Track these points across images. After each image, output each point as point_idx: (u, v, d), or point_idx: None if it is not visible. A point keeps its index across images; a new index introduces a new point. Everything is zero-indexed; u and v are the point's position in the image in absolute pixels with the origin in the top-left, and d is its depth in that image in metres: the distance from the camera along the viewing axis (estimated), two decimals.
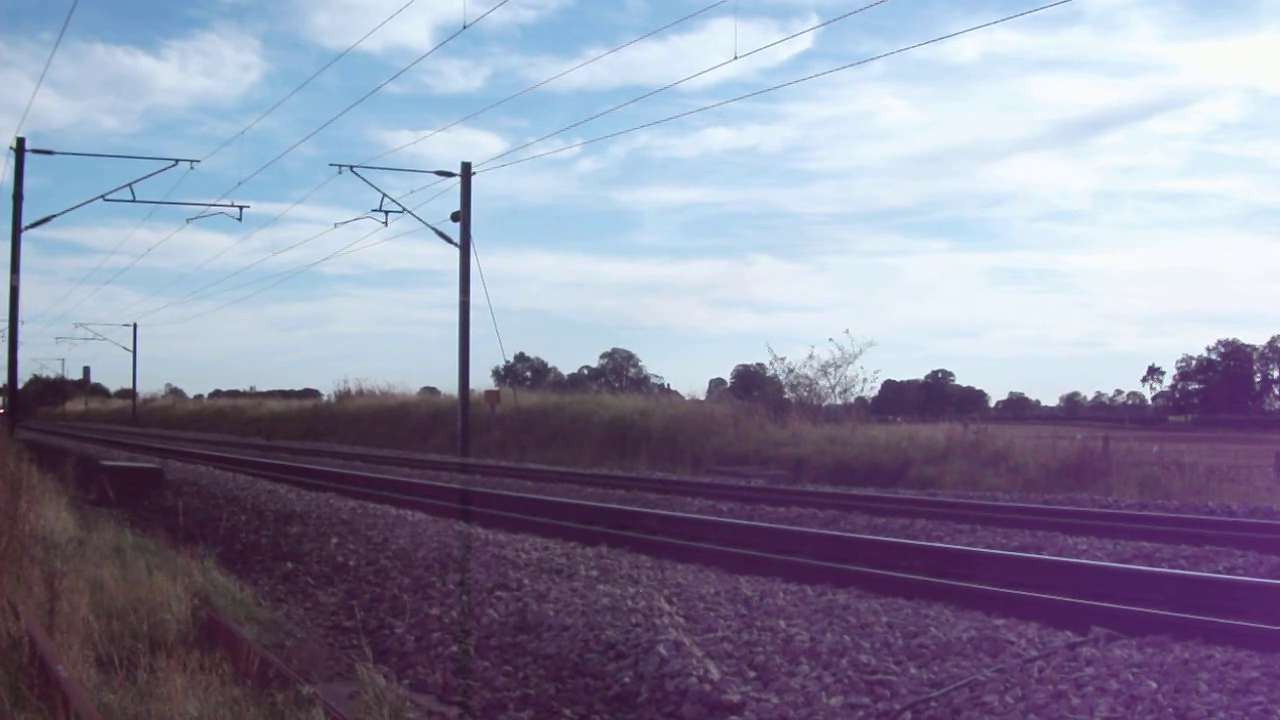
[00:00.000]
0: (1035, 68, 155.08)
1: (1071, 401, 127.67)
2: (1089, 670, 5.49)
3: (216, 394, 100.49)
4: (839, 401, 31.39)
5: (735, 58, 20.85)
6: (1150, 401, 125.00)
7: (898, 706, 5.28)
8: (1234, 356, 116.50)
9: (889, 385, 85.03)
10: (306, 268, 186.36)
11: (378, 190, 30.22)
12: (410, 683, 6.56)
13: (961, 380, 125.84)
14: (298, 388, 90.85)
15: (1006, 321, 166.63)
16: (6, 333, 33.60)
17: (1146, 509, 13.97)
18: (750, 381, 58.89)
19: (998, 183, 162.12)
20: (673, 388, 61.50)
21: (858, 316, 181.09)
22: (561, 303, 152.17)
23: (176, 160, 29.63)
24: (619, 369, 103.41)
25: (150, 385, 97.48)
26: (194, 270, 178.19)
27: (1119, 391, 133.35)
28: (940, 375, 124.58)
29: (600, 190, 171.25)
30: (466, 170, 30.79)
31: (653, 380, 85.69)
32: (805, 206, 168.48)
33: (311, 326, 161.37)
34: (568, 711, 5.88)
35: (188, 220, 47.47)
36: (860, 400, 32.98)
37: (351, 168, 29.83)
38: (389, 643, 7.59)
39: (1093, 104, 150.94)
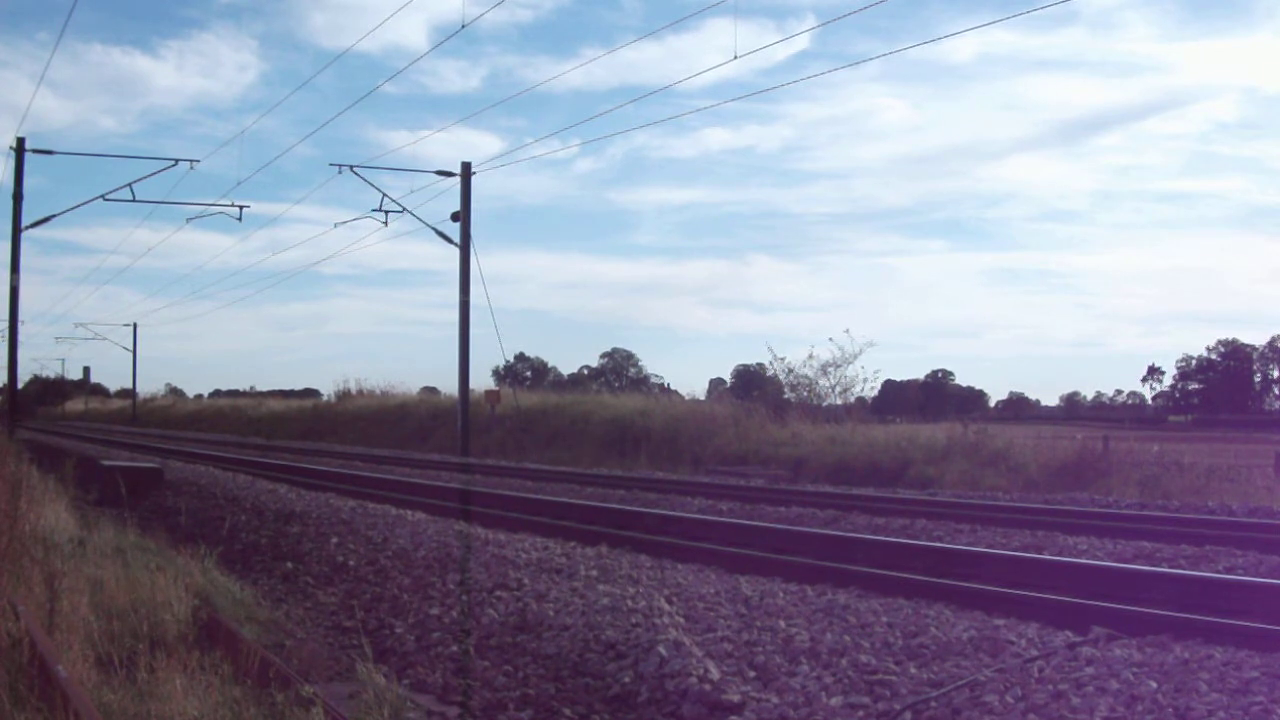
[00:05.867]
0: (1032, 68, 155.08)
1: (1071, 401, 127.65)
2: (1089, 670, 5.49)
3: (216, 394, 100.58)
4: (839, 401, 31.43)
5: (735, 57, 20.88)
6: (1150, 401, 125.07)
7: (898, 706, 5.28)
8: (1234, 356, 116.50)
9: (889, 385, 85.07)
10: (306, 268, 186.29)
11: (377, 190, 30.17)
12: (410, 683, 6.56)
13: (961, 380, 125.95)
14: (298, 388, 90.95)
15: (1006, 321, 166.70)
16: (6, 333, 33.58)
17: (1146, 509, 13.97)
18: (750, 381, 58.97)
19: (996, 183, 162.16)
20: (673, 387, 61.60)
21: (857, 316, 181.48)
22: (561, 303, 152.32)
23: (176, 160, 29.55)
24: (619, 369, 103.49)
25: (150, 385, 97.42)
26: (194, 270, 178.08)
27: (1119, 391, 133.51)
28: (940, 375, 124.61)
29: (598, 190, 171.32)
30: (466, 170, 30.78)
31: (652, 380, 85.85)
32: (803, 206, 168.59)
33: (311, 326, 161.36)
34: (568, 711, 5.88)
35: (188, 220, 47.56)
36: (860, 400, 33.05)
37: (351, 168, 29.80)
38: (389, 643, 7.59)
39: (1090, 104, 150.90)
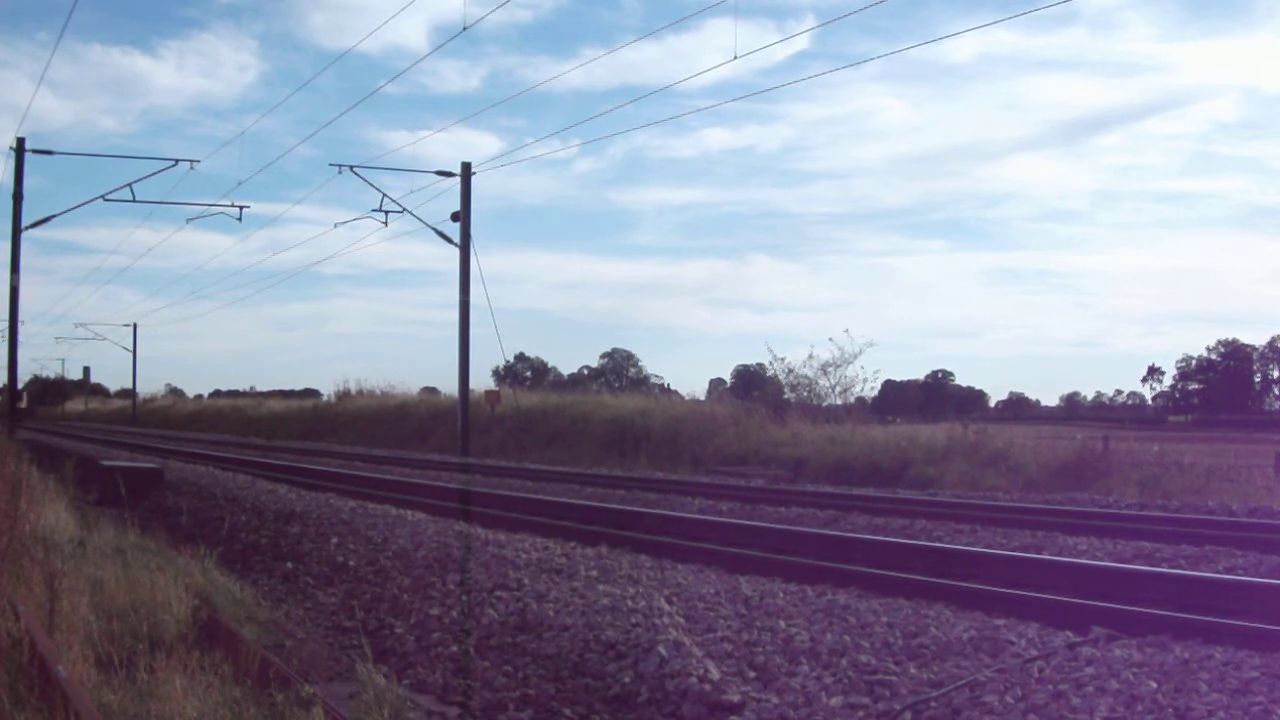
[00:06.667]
0: (1032, 68, 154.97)
1: (1071, 401, 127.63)
2: (1089, 670, 5.49)
3: (216, 394, 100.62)
4: (839, 401, 31.43)
5: (735, 57, 20.89)
6: (1150, 401, 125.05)
7: (898, 706, 5.28)
8: (1234, 356, 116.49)
9: (889, 385, 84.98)
10: (306, 268, 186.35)
11: (377, 190, 30.18)
12: (410, 683, 6.56)
13: (961, 380, 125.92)
14: (298, 388, 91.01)
15: (1006, 321, 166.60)
16: (6, 333, 33.58)
17: (1146, 509, 13.97)
18: (750, 381, 58.96)
19: (996, 183, 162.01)
20: (673, 388, 61.57)
21: (857, 316, 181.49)
22: (560, 303, 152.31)
23: (176, 160, 29.55)
24: (619, 369, 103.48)
25: (150, 385, 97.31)
26: (194, 270, 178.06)
27: (1119, 391, 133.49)
28: (940, 375, 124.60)
29: (598, 190, 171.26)
30: (466, 170, 30.78)
31: (652, 380, 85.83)
32: (803, 206, 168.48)
33: (311, 326, 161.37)
34: (568, 711, 5.88)
35: (188, 220, 47.52)
36: (860, 400, 33.04)
37: (351, 168, 29.79)
38: (389, 643, 7.59)
39: (1090, 104, 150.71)
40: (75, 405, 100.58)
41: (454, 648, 7.23)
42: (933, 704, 5.25)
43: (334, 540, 11.59)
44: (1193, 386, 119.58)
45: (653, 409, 31.83)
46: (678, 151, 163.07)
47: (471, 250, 30.66)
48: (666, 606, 7.27)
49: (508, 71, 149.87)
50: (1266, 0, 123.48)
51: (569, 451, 30.59)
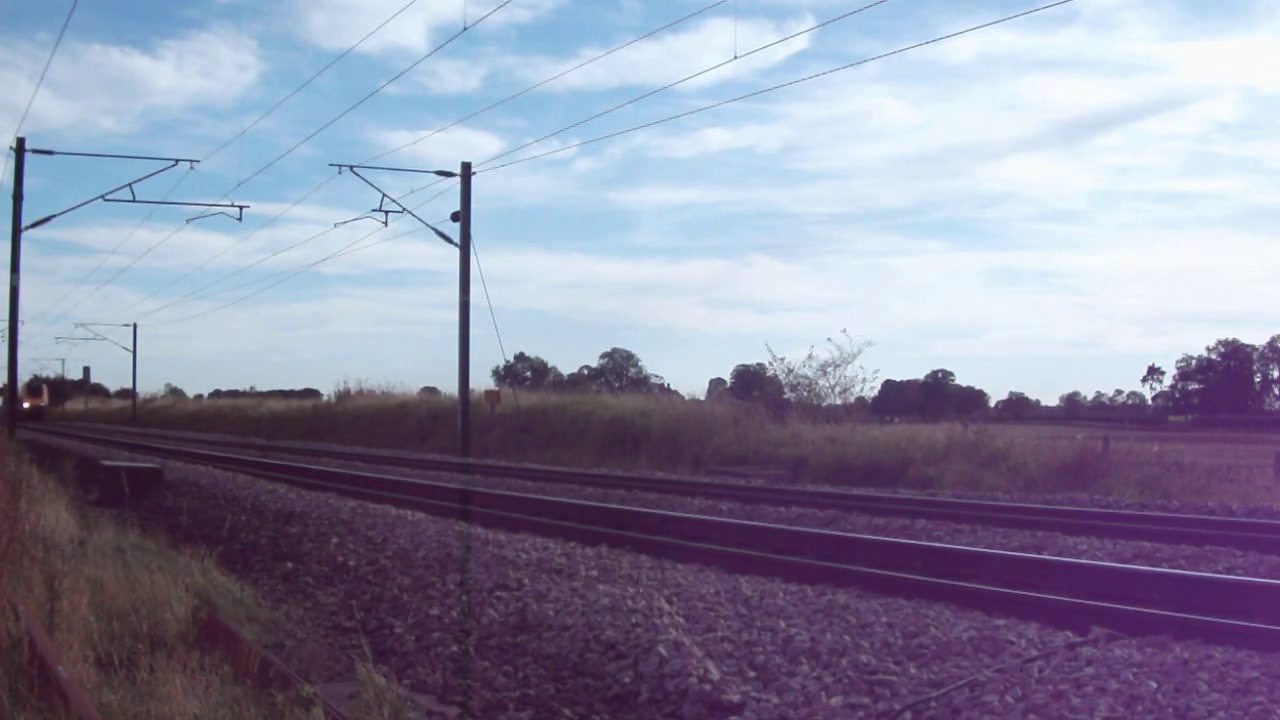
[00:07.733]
0: (1031, 68, 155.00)
1: (1071, 401, 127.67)
2: (1089, 670, 5.49)
3: (216, 394, 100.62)
4: (839, 401, 31.38)
5: (735, 57, 20.88)
6: (1150, 401, 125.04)
7: (898, 706, 5.28)
8: (1234, 356, 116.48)
9: (889, 385, 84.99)
10: (306, 268, 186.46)
11: (377, 190, 30.19)
12: (410, 683, 6.56)
13: (961, 380, 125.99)
14: (298, 388, 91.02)
15: (1005, 321, 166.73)
16: (6, 333, 33.59)
17: (1146, 509, 13.97)
18: (750, 381, 58.98)
19: (995, 183, 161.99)
20: (673, 387, 61.51)
21: (856, 316, 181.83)
22: (560, 303, 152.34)
23: (176, 160, 29.57)
24: (619, 369, 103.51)
25: (150, 385, 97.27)
26: (194, 270, 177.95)
27: (1119, 391, 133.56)
28: (940, 375, 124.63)
29: (598, 190, 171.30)
30: (466, 170, 30.78)
31: (653, 380, 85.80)
32: (803, 206, 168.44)
33: (311, 326, 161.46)
34: (568, 711, 5.88)
35: (188, 220, 47.31)
36: (860, 400, 32.98)
37: (351, 168, 29.80)
38: (389, 643, 7.59)
39: (1089, 104, 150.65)
40: (75, 405, 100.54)
41: (454, 648, 7.23)
42: (933, 704, 5.25)
43: (334, 540, 11.59)
44: (1193, 386, 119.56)
45: (653, 409, 31.81)
46: (677, 151, 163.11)
47: (471, 250, 30.68)
48: (666, 606, 7.27)
49: (507, 72, 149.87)
50: (1266, 0, 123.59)
51: (569, 451, 30.58)
